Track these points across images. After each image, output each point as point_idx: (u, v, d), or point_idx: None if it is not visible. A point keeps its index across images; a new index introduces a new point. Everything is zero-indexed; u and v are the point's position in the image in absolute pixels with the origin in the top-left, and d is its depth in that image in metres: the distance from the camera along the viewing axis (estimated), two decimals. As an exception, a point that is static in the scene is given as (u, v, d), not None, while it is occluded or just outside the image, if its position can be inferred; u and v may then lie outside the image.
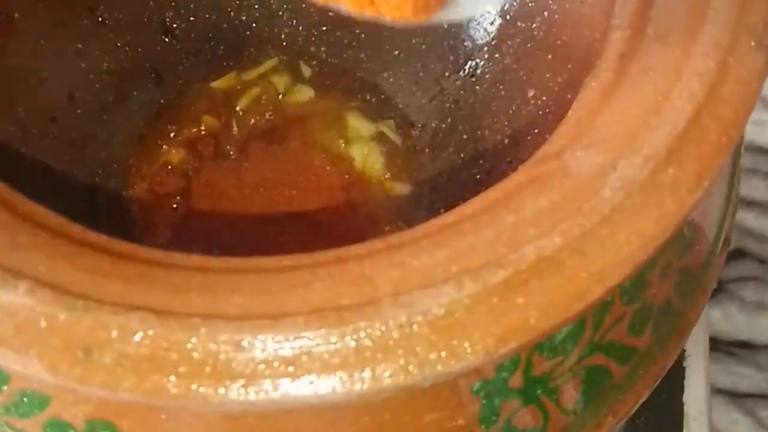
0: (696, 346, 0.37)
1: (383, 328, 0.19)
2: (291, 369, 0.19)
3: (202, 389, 0.18)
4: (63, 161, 0.34)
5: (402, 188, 0.37)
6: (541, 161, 0.22)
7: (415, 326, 0.19)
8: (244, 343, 0.19)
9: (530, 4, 0.36)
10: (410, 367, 0.19)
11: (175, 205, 0.36)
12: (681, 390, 0.37)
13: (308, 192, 0.36)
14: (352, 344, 0.19)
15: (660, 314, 0.26)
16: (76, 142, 0.35)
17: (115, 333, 0.18)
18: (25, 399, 0.22)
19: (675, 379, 0.36)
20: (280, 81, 0.39)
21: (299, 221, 0.36)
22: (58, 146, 0.35)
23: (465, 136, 0.37)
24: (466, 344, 0.19)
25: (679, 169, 0.21)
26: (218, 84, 0.39)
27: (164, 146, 0.37)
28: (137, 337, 0.19)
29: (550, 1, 0.35)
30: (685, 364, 0.37)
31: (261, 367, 0.19)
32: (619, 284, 0.20)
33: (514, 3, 0.37)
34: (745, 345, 0.48)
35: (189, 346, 0.19)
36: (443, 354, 0.19)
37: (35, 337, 0.18)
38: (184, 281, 0.20)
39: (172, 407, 0.20)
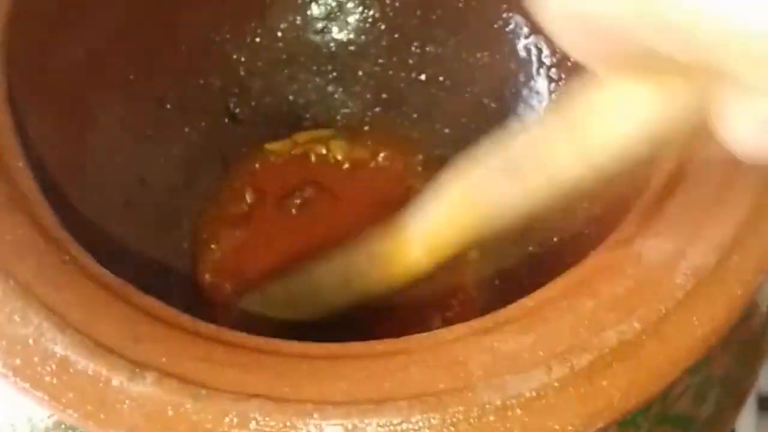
0: (746, 408, 0.38)
1: (480, 411, 0.21)
2: (396, 451, 0.20)
3: (316, 471, 0.20)
4: (136, 244, 0.36)
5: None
6: (613, 248, 0.24)
7: (509, 410, 0.21)
8: (351, 427, 0.20)
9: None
10: (507, 448, 0.20)
11: (241, 283, 0.38)
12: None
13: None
14: (452, 428, 0.20)
15: (720, 384, 0.27)
16: (147, 224, 0.37)
17: (235, 420, 0.20)
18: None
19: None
20: (338, 146, 0.41)
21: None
22: (131, 229, 0.36)
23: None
24: (557, 426, 0.20)
25: (743, 256, 0.23)
26: (273, 147, 0.41)
27: (230, 223, 0.39)
28: (255, 424, 0.20)
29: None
30: (733, 428, 0.38)
31: (369, 449, 0.20)
32: (693, 365, 0.22)
33: (560, 83, 0.39)
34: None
35: (303, 430, 0.20)
36: (537, 435, 0.20)
37: (164, 426, 0.20)
38: (292, 368, 0.21)
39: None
